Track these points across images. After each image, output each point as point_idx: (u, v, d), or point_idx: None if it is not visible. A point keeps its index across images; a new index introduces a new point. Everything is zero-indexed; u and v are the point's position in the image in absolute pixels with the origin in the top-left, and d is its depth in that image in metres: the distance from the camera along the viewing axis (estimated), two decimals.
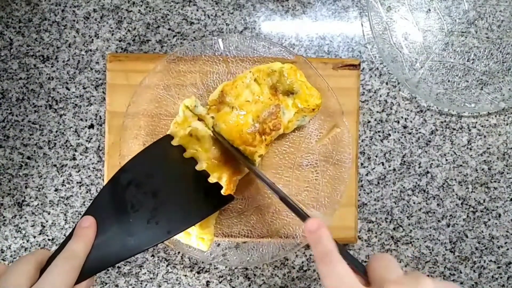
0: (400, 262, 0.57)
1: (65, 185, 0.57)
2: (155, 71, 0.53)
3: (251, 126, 0.48)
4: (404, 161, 0.58)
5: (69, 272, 0.35)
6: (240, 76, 0.52)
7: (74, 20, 0.58)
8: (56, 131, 0.57)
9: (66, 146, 0.57)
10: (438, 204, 0.58)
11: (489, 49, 0.59)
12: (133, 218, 0.41)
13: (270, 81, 0.51)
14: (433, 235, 0.57)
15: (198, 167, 0.48)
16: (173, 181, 0.45)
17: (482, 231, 0.58)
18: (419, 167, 0.58)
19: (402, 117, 0.58)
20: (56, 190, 0.57)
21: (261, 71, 0.51)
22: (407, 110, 0.58)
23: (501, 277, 0.58)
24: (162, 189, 0.44)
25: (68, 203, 0.57)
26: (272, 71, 0.51)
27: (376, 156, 0.58)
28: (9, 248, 0.57)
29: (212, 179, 0.48)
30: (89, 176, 0.57)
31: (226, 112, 0.49)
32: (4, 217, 0.57)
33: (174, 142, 0.48)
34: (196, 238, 0.50)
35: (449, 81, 0.58)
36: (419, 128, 0.58)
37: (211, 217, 0.51)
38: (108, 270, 0.57)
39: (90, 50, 0.58)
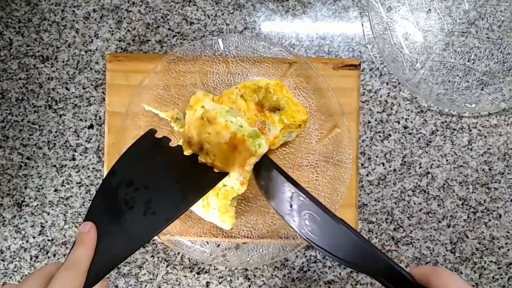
0: (400, 263, 0.57)
1: (65, 186, 0.57)
2: (155, 71, 0.53)
3: None
4: (405, 162, 0.58)
5: (74, 279, 0.35)
6: (226, 92, 0.52)
7: (73, 20, 0.58)
8: (56, 132, 0.57)
9: (66, 146, 0.57)
10: (438, 205, 0.57)
11: (490, 49, 0.58)
12: (130, 214, 0.41)
13: (256, 97, 0.51)
14: (434, 236, 0.57)
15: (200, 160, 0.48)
16: (162, 169, 0.46)
17: (483, 232, 0.58)
18: (420, 168, 0.58)
19: (402, 118, 0.58)
20: (55, 190, 0.57)
21: (247, 88, 0.51)
22: (408, 110, 0.58)
23: (501, 278, 0.57)
24: (153, 180, 0.44)
25: (68, 204, 0.57)
26: (258, 87, 0.51)
27: (377, 157, 0.58)
28: (9, 248, 0.57)
29: (201, 160, 0.48)
30: (88, 177, 0.57)
31: None
32: (3, 217, 0.57)
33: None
34: (218, 219, 0.50)
35: (449, 81, 0.58)
36: (420, 129, 0.58)
37: (231, 202, 0.50)
38: None
39: (90, 50, 0.58)
